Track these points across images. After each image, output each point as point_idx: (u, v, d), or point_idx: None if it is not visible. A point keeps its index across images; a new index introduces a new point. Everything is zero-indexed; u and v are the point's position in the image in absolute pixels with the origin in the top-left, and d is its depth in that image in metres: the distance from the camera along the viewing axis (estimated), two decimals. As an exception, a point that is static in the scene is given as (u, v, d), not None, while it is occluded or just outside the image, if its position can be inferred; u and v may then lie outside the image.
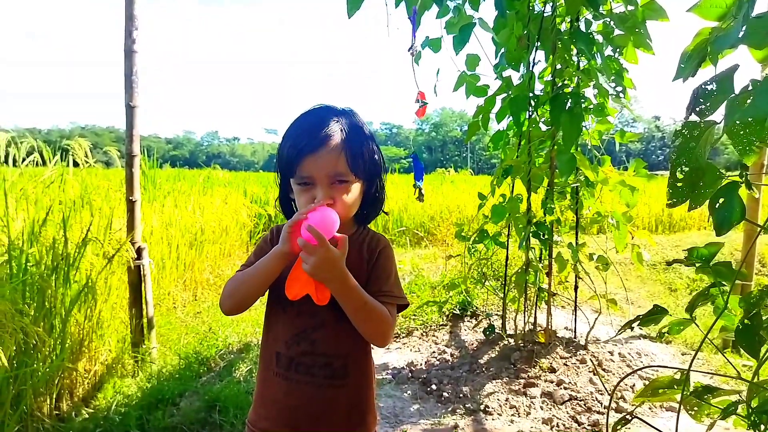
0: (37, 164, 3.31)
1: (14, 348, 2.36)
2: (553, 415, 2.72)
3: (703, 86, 0.89)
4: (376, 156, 1.28)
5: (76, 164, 3.43)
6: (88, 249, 2.92)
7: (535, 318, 3.53)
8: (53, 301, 2.64)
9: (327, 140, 1.17)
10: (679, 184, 0.89)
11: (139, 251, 3.21)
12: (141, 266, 3.22)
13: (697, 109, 0.88)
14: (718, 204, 0.90)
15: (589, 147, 3.37)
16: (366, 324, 1.17)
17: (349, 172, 1.18)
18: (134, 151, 3.17)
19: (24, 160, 3.18)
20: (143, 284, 3.25)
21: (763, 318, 1.02)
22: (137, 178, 3.22)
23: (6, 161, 3.11)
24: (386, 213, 1.42)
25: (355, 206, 1.24)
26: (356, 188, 1.22)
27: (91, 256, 2.98)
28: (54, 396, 2.62)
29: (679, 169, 0.89)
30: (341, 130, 1.20)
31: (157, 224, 4.82)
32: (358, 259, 1.25)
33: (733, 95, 0.88)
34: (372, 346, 1.30)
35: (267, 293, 1.29)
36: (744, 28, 0.88)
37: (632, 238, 3.40)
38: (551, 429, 2.63)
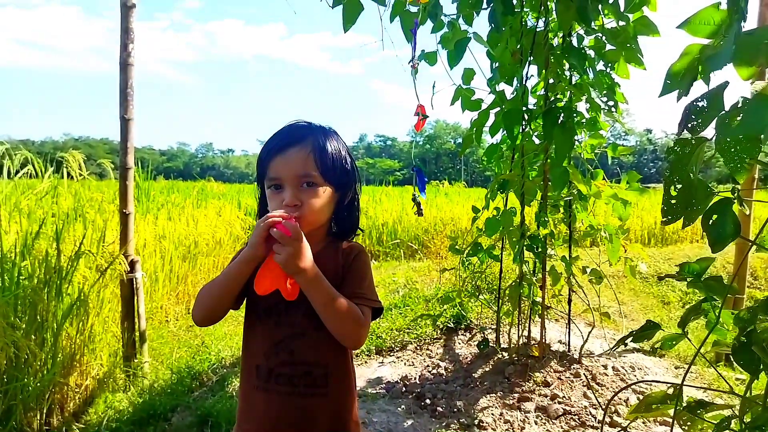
0: (30, 176, 3.30)
1: (5, 362, 2.34)
2: (547, 430, 2.71)
3: (694, 103, 0.90)
4: (348, 166, 1.29)
5: (69, 176, 3.42)
6: (81, 262, 2.91)
7: (529, 331, 3.52)
8: (45, 314, 2.63)
9: (296, 141, 1.21)
10: (673, 201, 0.90)
11: (132, 264, 3.20)
12: (134, 279, 3.21)
13: (689, 125, 0.89)
14: (711, 221, 0.90)
15: (582, 160, 3.39)
16: (336, 321, 1.15)
17: (318, 174, 1.20)
18: (128, 163, 3.16)
19: (17, 172, 3.17)
20: (136, 297, 3.23)
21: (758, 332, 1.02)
22: (131, 190, 3.21)
23: (0, 173, 3.10)
24: (362, 230, 1.42)
25: (323, 212, 1.25)
26: (326, 194, 1.23)
27: (84, 269, 2.96)
28: (44, 411, 2.60)
29: (673, 186, 0.89)
30: (312, 135, 1.24)
31: (150, 237, 4.81)
32: (334, 267, 1.25)
33: (724, 112, 0.89)
34: (354, 356, 1.30)
35: (245, 307, 1.29)
36: (734, 45, 0.90)
37: (625, 251, 3.42)
38: (546, 443, 2.62)
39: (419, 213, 3.35)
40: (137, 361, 3.23)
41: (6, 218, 2.94)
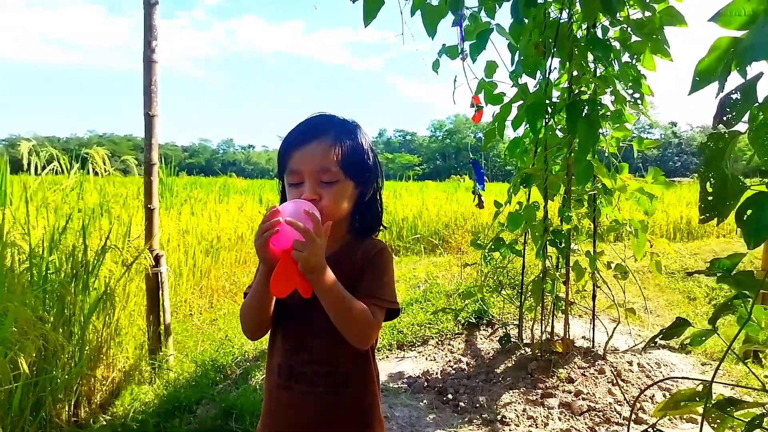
0: (56, 172, 3.35)
1: (35, 355, 2.39)
2: (571, 426, 2.69)
3: (728, 95, 0.87)
4: (370, 162, 1.27)
5: (95, 172, 3.47)
6: (107, 256, 2.95)
7: (552, 327, 3.49)
8: (72, 308, 2.67)
9: (317, 134, 1.19)
10: (710, 198, 0.87)
11: (156, 259, 3.24)
12: (159, 273, 3.25)
13: (724, 119, 0.86)
14: (746, 215, 0.88)
15: (606, 154, 3.34)
16: (344, 321, 1.13)
17: (339, 169, 1.17)
18: (153, 159, 3.20)
19: (44, 168, 3.23)
20: (161, 291, 3.27)
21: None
22: (155, 186, 3.25)
23: (27, 170, 3.16)
24: (385, 227, 1.40)
25: (342, 208, 1.21)
26: (345, 189, 1.20)
27: (110, 263, 3.01)
28: (72, 403, 2.65)
29: (709, 182, 0.87)
30: (333, 128, 1.21)
31: (174, 232, 4.87)
32: (351, 265, 1.22)
33: (757, 104, 0.87)
34: (375, 353, 1.29)
35: None
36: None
37: (651, 246, 3.36)
38: (569, 440, 2.59)
39: (480, 205, 3.33)
40: (162, 354, 3.27)
41: (34, 214, 2.99)
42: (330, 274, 1.10)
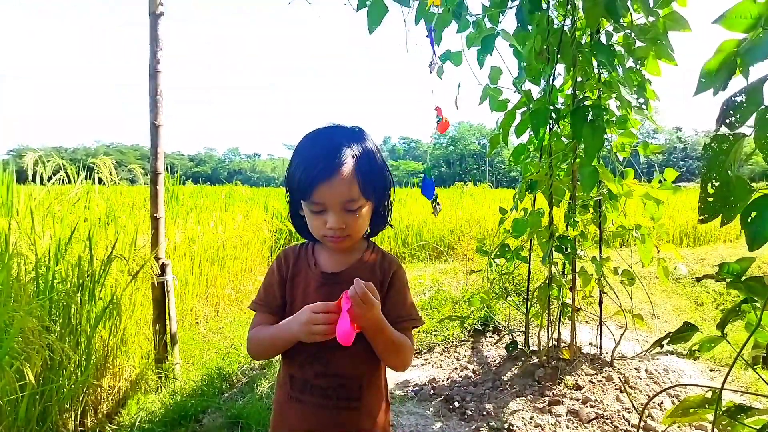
0: (63, 182, 3.37)
1: (41, 365, 2.39)
2: (579, 434, 2.66)
3: (732, 98, 0.87)
4: (385, 177, 1.31)
5: (101, 182, 3.49)
6: (113, 266, 2.95)
7: (559, 334, 3.47)
8: (79, 317, 2.67)
9: (340, 168, 1.18)
10: (710, 199, 0.87)
11: (163, 267, 3.24)
12: (165, 282, 3.25)
13: (727, 121, 0.86)
14: (750, 218, 0.87)
15: (612, 159, 3.33)
16: (392, 357, 1.23)
17: (361, 196, 1.21)
18: (159, 168, 3.21)
19: (50, 178, 3.24)
20: (167, 300, 3.28)
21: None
22: (161, 195, 3.26)
23: (34, 180, 3.18)
24: (391, 226, 1.44)
25: (365, 227, 1.28)
26: (367, 210, 1.26)
27: (116, 272, 3.01)
28: (79, 412, 2.64)
29: (710, 183, 0.87)
30: (353, 156, 1.21)
31: (180, 240, 4.87)
32: (372, 281, 1.22)
33: (763, 107, 0.86)
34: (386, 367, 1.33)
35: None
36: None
37: (658, 251, 3.34)
38: (578, 447, 2.57)
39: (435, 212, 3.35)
40: (168, 363, 3.27)
41: (40, 223, 3.01)
42: (383, 324, 1.18)
